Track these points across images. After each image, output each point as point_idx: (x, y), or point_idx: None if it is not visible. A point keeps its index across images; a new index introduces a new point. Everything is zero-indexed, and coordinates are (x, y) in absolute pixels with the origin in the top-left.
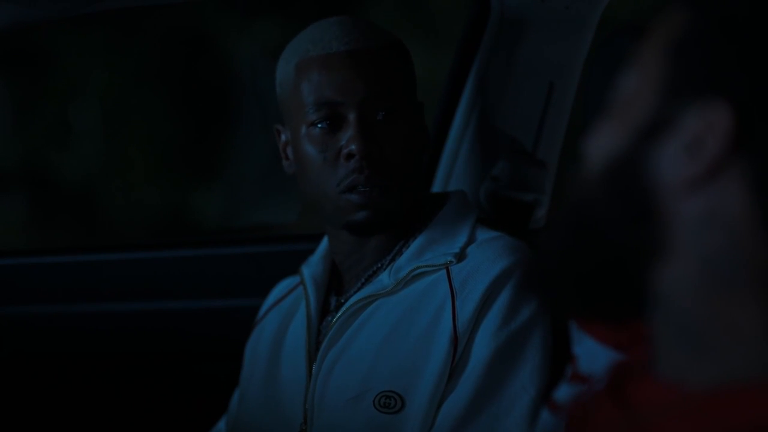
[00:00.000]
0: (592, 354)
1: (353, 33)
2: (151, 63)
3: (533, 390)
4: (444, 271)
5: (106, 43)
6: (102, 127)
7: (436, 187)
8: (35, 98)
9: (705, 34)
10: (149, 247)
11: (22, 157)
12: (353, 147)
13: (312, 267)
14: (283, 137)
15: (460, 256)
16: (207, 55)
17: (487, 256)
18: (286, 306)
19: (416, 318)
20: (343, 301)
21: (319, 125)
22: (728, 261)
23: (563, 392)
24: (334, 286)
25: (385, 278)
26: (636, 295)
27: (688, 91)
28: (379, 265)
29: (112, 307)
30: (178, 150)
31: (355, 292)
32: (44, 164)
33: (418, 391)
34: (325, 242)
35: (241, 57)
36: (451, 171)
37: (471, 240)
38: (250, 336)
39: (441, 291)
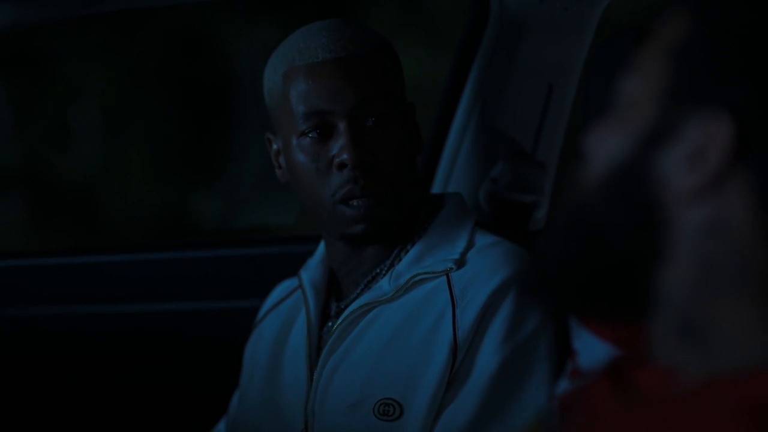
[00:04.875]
0: (592, 349)
1: (339, 40)
2: (151, 65)
3: (540, 402)
4: (444, 278)
5: (105, 44)
6: (101, 129)
7: (436, 188)
8: (35, 100)
9: (706, 43)
10: (148, 248)
11: (22, 158)
12: (345, 156)
13: (311, 271)
14: (274, 146)
15: (460, 263)
16: (206, 56)
17: (486, 265)
18: (286, 309)
19: (416, 325)
20: (343, 307)
21: (310, 135)
22: (729, 269)
23: (563, 388)
24: (334, 290)
25: (385, 285)
26: (637, 300)
27: (690, 100)
28: (378, 270)
29: (111, 309)
30: (177, 151)
31: (355, 299)
32: (44, 166)
33: (416, 399)
34: (323, 245)
35: (240, 58)
36: (451, 172)
37: (470, 245)
38: (250, 338)
39: (441, 299)
